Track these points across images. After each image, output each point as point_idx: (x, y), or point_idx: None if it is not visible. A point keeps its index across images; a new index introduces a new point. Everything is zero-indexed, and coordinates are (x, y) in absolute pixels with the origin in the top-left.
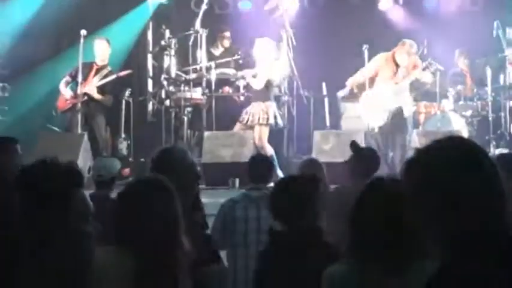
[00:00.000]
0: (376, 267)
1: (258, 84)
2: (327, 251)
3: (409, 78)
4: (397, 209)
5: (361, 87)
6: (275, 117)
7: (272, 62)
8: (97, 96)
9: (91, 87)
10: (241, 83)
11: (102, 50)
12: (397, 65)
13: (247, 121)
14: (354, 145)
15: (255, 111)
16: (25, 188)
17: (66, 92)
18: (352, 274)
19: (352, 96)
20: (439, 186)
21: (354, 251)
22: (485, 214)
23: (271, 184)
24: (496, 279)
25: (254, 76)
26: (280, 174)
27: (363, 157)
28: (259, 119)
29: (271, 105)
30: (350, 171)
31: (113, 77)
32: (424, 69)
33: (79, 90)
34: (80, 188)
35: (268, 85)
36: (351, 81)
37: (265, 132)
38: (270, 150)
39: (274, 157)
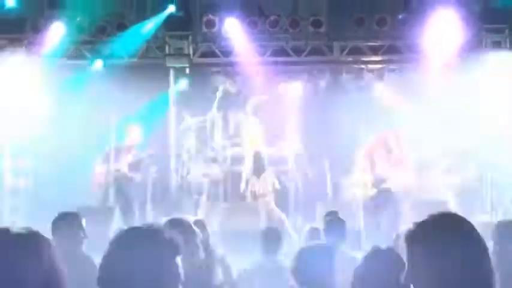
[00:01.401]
0: None
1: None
2: None
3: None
4: (391, 277)
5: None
6: (273, 183)
7: (256, 137)
8: (128, 173)
9: (123, 165)
10: None
11: (136, 134)
12: (388, 146)
13: (254, 193)
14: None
15: (255, 182)
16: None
17: (100, 170)
18: None
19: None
20: (433, 260)
21: None
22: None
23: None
24: None
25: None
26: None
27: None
28: (263, 189)
29: (267, 176)
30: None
31: (142, 155)
32: None
33: (111, 168)
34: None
35: (259, 158)
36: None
37: (272, 198)
38: (279, 214)
39: (285, 221)
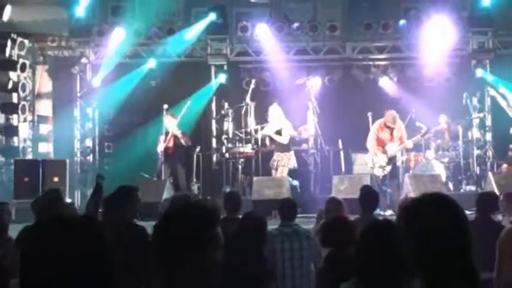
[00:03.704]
0: (374, 285)
1: (285, 140)
2: None
3: (404, 146)
4: (389, 243)
5: (373, 148)
6: (294, 162)
7: (286, 122)
8: (180, 135)
9: (176, 133)
10: None
11: (170, 122)
12: (389, 128)
13: (276, 167)
14: (361, 189)
15: (280, 158)
16: (178, 230)
17: (161, 147)
18: None
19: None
20: (423, 230)
21: (359, 272)
22: (454, 252)
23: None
24: None
25: (278, 133)
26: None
27: (366, 196)
28: (284, 164)
29: (292, 154)
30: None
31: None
32: (422, 136)
33: (163, 149)
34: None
35: (290, 139)
36: (369, 146)
37: (286, 171)
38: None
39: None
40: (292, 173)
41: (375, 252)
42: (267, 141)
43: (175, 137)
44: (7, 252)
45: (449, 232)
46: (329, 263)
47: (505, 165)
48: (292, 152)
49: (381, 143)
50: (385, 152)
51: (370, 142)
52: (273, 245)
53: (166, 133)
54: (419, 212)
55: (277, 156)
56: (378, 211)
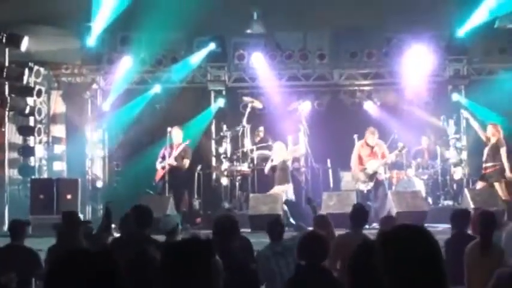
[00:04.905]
0: None
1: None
2: (334, 282)
3: (385, 161)
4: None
5: (356, 165)
6: (292, 194)
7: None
8: (174, 163)
9: (171, 160)
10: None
11: (177, 134)
12: (369, 146)
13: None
14: (354, 206)
15: (280, 191)
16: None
17: (159, 166)
18: None
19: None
20: (396, 257)
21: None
22: (427, 279)
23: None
24: None
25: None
26: (292, 220)
27: (357, 213)
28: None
29: (290, 187)
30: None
31: (183, 144)
32: (400, 151)
33: (165, 165)
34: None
35: (286, 168)
36: (352, 164)
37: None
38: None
39: (288, 213)
40: (287, 202)
41: (363, 272)
42: (266, 168)
43: (177, 148)
44: None
45: (423, 262)
46: (298, 274)
47: (479, 182)
48: (291, 185)
49: (362, 160)
50: (365, 168)
51: (353, 160)
52: (269, 265)
53: (171, 145)
54: (395, 245)
55: (277, 189)
56: None
